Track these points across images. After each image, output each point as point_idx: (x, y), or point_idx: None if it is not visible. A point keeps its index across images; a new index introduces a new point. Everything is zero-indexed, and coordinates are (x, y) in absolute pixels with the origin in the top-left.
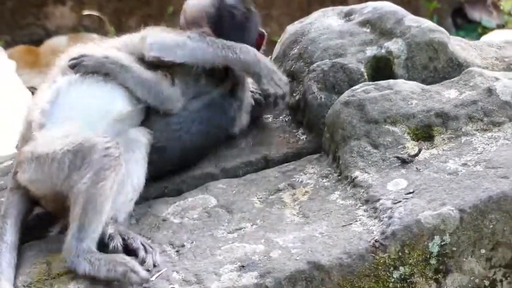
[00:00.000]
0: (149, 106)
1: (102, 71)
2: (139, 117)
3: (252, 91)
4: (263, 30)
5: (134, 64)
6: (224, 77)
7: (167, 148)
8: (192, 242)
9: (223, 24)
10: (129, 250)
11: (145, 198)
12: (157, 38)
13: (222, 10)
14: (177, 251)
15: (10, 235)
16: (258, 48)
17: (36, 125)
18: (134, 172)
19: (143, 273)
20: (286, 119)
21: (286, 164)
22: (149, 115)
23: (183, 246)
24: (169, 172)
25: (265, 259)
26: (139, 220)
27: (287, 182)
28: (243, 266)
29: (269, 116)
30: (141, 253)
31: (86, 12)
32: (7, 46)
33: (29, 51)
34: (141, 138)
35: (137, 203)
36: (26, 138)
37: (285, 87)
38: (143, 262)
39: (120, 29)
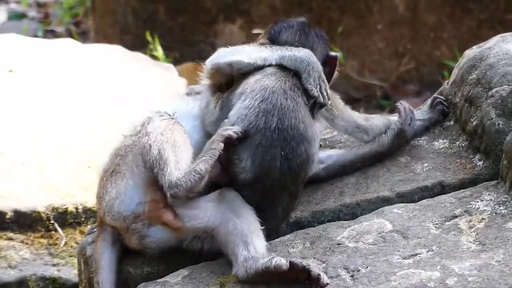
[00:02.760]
0: None
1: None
2: None
3: None
4: (335, 53)
5: None
6: None
7: None
8: (367, 267)
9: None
10: None
11: (320, 222)
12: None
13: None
14: (351, 276)
15: None
16: (331, 72)
17: None
18: None
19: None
20: (463, 145)
21: (463, 190)
22: None
23: (358, 270)
24: None
25: (441, 286)
26: (313, 243)
27: (463, 208)
28: None
29: (445, 141)
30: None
31: (255, 31)
32: (175, 62)
33: (198, 68)
34: None
35: (311, 225)
36: None
37: (326, 98)
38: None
39: None
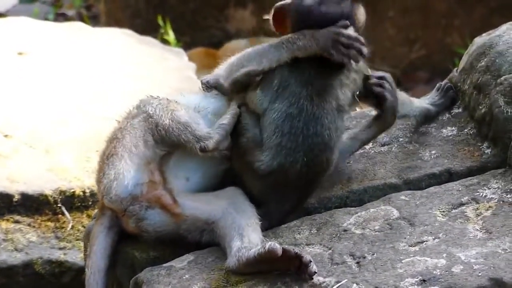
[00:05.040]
0: None
1: None
2: None
3: None
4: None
5: None
6: None
7: None
8: (373, 254)
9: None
10: None
11: (327, 208)
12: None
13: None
14: (357, 263)
15: None
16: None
17: None
18: None
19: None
20: (471, 132)
21: (470, 178)
22: None
23: (364, 257)
24: None
25: (447, 274)
26: (319, 229)
27: (471, 196)
28: (424, 280)
29: (453, 128)
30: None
31: (266, 17)
32: (186, 47)
33: (208, 53)
34: None
35: (318, 211)
36: None
37: (359, 57)
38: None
39: None
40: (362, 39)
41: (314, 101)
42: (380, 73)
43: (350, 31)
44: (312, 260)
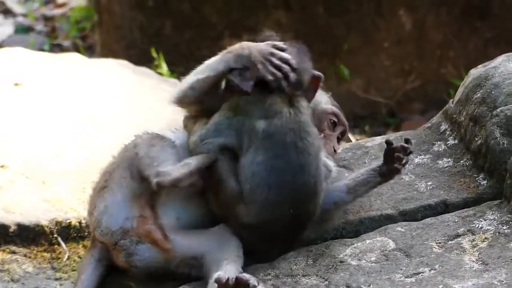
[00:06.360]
0: None
1: None
2: None
3: None
4: (318, 73)
5: None
6: None
7: None
8: (369, 285)
9: None
10: None
11: (323, 239)
12: None
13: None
14: None
15: None
16: (313, 92)
17: None
18: None
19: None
20: (467, 164)
21: (466, 209)
22: None
23: None
24: None
25: None
26: (316, 260)
27: (467, 227)
28: None
29: (449, 160)
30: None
31: None
32: (181, 77)
33: None
34: None
35: (315, 243)
36: None
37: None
38: None
39: None
40: (292, 62)
41: (298, 148)
42: (404, 143)
43: (284, 53)
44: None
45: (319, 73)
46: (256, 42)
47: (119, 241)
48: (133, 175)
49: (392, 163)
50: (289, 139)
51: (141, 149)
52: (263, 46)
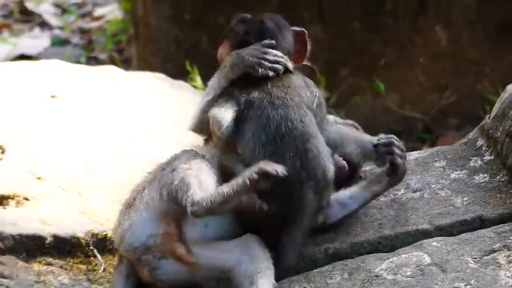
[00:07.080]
0: None
1: None
2: None
3: None
4: (300, 29)
5: None
6: None
7: None
8: None
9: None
10: None
11: (359, 253)
12: None
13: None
14: None
15: None
16: (303, 49)
17: None
18: None
19: None
20: (503, 180)
21: (502, 224)
22: None
23: None
24: None
25: None
26: (351, 274)
27: (503, 243)
28: None
29: (485, 175)
30: None
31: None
32: None
33: None
34: None
35: (350, 257)
36: None
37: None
38: None
39: (332, 79)
40: (281, 55)
41: (276, 104)
42: (383, 138)
43: (274, 50)
44: None
45: (301, 28)
46: (231, 25)
47: (142, 256)
48: (163, 197)
49: (385, 159)
50: (278, 101)
51: (177, 175)
52: (252, 50)
